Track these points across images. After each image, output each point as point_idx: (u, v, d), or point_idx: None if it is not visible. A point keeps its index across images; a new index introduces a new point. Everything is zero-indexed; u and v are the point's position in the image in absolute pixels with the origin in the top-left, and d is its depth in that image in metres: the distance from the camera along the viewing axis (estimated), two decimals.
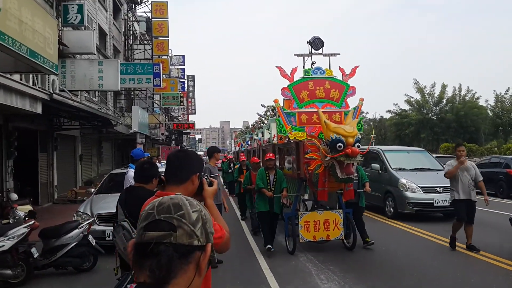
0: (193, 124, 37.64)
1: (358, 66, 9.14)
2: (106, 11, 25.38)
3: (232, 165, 18.61)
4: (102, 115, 17.66)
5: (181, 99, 34.87)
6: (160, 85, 23.98)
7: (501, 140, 36.65)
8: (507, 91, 35.78)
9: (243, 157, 16.38)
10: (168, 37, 30.94)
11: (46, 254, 7.33)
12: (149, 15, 31.88)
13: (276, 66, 8.76)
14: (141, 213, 1.31)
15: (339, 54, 9.54)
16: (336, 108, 8.75)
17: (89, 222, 8.01)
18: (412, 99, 42.86)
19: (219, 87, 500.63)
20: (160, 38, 30.62)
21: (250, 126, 22.10)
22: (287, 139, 9.64)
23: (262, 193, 8.76)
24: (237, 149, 26.28)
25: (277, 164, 10.49)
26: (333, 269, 7.46)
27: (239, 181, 13.12)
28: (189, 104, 48.88)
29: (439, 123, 38.61)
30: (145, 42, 33.47)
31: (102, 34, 24.74)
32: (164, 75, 29.15)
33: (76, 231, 7.55)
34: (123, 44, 29.28)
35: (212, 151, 8.54)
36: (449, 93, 39.93)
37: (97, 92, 22.42)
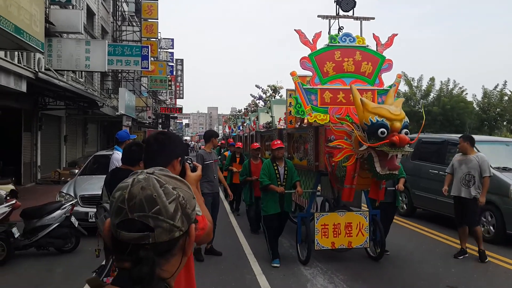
0: (181, 108, 37.48)
1: (396, 35, 7.45)
2: None
3: (222, 151, 17.83)
4: (88, 96, 17.53)
5: (169, 83, 34.67)
6: (148, 68, 23.60)
7: (485, 134, 37.17)
8: (495, 87, 36.23)
9: (237, 143, 13.64)
10: (157, 19, 30.66)
11: (27, 235, 7.30)
12: None
13: (295, 30, 7.10)
14: (111, 199, 1.19)
15: (373, 18, 7.54)
16: (368, 86, 7.14)
17: (72, 203, 7.95)
18: (400, 91, 43.19)
19: (207, 73, 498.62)
20: (149, 20, 30.28)
21: (243, 110, 21.17)
22: (298, 123, 8.33)
23: (270, 190, 7.08)
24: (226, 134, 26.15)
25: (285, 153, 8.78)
26: (352, 285, 6.18)
27: (230, 170, 11.61)
28: (177, 88, 48.52)
29: (426, 116, 38.99)
30: (134, 24, 33.05)
31: (90, 14, 24.43)
32: (152, 58, 28.88)
33: (58, 212, 7.50)
34: (111, 25, 28.92)
35: (209, 136, 7.82)
36: (436, 86, 40.28)
37: (83, 72, 22.21)
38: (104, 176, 5.55)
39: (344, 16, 7.43)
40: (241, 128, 19.25)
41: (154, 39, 31.04)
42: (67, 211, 7.61)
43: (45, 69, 15.43)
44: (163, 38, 41.47)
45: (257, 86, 14.03)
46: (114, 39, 28.35)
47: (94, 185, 8.97)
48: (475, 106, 38.13)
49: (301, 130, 8.00)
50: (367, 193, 6.87)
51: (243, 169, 9.07)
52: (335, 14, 7.39)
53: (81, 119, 24.53)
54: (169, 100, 48.18)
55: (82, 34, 18.61)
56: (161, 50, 40.46)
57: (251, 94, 16.53)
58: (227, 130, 27.33)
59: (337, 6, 7.41)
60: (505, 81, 38.08)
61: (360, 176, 5.83)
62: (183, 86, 50.55)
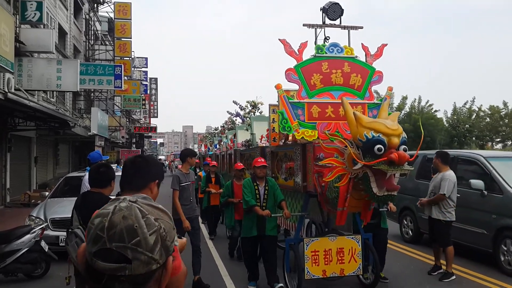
0: (155, 127, 36.84)
1: (386, 45, 6.88)
2: (67, 9, 24.47)
3: (197, 170, 17.12)
4: (60, 116, 16.96)
5: (143, 102, 34.12)
6: (121, 87, 23.41)
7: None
8: (465, 104, 36.95)
9: (212, 162, 12.95)
10: (131, 38, 30.27)
11: None
12: (112, 15, 31.10)
13: (279, 39, 6.52)
14: (89, 225, 1.13)
15: (361, 27, 7.06)
16: (358, 99, 6.60)
17: (42, 227, 7.67)
18: None
19: (182, 91, 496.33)
20: (122, 39, 29.90)
21: (219, 128, 20.61)
22: (283, 140, 7.73)
23: (252, 212, 6.50)
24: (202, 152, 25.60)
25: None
26: None
27: (207, 192, 10.80)
28: (151, 107, 47.84)
29: None
30: (107, 43, 32.57)
31: (62, 33, 23.87)
32: (126, 77, 28.44)
33: (27, 236, 7.22)
34: (83, 44, 28.34)
35: (185, 155, 7.23)
36: (408, 104, 40.88)
37: (55, 92, 21.65)
38: (75, 198, 5.29)
39: (331, 25, 6.96)
40: (217, 146, 18.67)
41: (128, 58, 30.64)
42: (36, 235, 7.33)
43: (15, 89, 14.85)
44: (137, 57, 40.93)
45: (234, 102, 13.58)
46: (87, 58, 27.81)
47: (65, 207, 8.53)
48: (445, 122, 38.77)
49: (286, 148, 7.43)
50: (358, 215, 6.34)
51: (225, 190, 8.58)
52: (321, 23, 6.92)
53: (52, 139, 23.78)
54: (143, 119, 47.40)
55: (53, 53, 18.13)
56: (135, 69, 39.88)
57: (228, 111, 15.98)
58: (203, 149, 26.69)
59: (323, 15, 6.91)
60: (474, 98, 38.96)
61: (352, 198, 5.25)
62: (157, 105, 49.87)
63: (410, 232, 10.26)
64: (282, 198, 6.64)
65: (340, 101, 6.22)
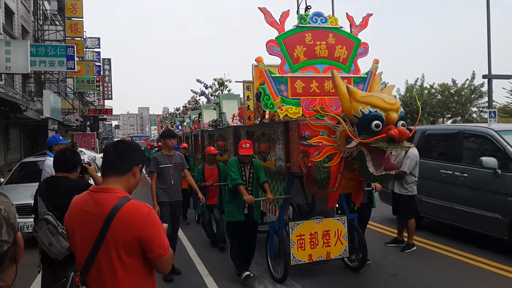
0: (111, 109, 35.47)
1: (371, 15, 6.42)
2: None
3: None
4: (11, 100, 15.91)
5: (97, 84, 32.71)
6: (74, 68, 22.26)
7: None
8: (416, 81, 37.52)
9: (182, 143, 12.51)
10: (82, 18, 28.65)
11: None
12: None
13: (259, 8, 5.92)
14: None
15: None
16: (344, 73, 6.09)
17: None
18: None
19: (137, 72, 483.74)
20: (73, 19, 28.29)
21: (181, 108, 19.69)
22: (259, 119, 7.24)
23: (237, 193, 6.02)
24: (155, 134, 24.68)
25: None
26: None
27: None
28: (105, 89, 45.96)
29: None
30: (57, 23, 30.85)
31: (9, 12, 22.33)
32: (78, 58, 27.05)
33: None
34: (32, 24, 26.70)
35: (162, 136, 6.80)
36: None
37: (3, 75, 20.35)
38: (34, 184, 5.51)
39: None
40: (179, 127, 17.94)
41: (79, 38, 29.06)
42: None
43: None
44: (89, 37, 39.10)
45: (198, 81, 12.94)
46: (36, 39, 26.23)
47: (23, 193, 8.57)
48: (398, 100, 39.38)
49: (264, 127, 6.90)
50: (344, 196, 6.07)
51: (197, 174, 8.09)
52: None
53: (3, 124, 22.43)
54: (97, 101, 45.68)
55: (1, 34, 16.93)
56: (87, 49, 38.12)
57: (191, 90, 15.20)
58: (162, 130, 25.75)
59: None
60: (423, 75, 39.67)
61: (343, 178, 4.86)
62: (111, 86, 48.07)
63: None
64: (265, 180, 6.16)
65: (325, 75, 5.87)
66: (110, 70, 48.23)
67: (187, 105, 17.12)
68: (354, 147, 4.49)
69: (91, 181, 4.58)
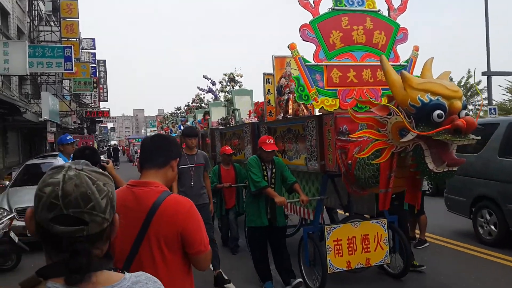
0: (108, 111, 34.65)
1: None
2: None
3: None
4: (10, 101, 15.32)
5: (94, 85, 31.98)
6: (72, 70, 21.75)
7: None
8: None
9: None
10: (78, 18, 28.00)
11: None
12: None
13: None
14: (38, 193, 1.19)
15: None
16: None
17: (10, 218, 7.23)
18: None
19: (132, 74, 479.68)
20: (69, 19, 27.65)
21: (183, 107, 18.89)
22: (281, 114, 6.55)
23: (260, 196, 5.40)
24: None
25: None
26: None
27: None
28: (101, 90, 45.07)
29: None
30: (52, 24, 30.14)
31: (5, 13, 21.72)
32: (74, 59, 26.44)
33: None
34: (27, 25, 26.01)
35: (183, 134, 6.21)
36: None
37: (0, 77, 19.75)
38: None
39: None
40: (181, 127, 17.18)
41: (75, 39, 28.41)
42: (5, 226, 6.88)
43: None
44: (84, 38, 38.33)
45: (205, 77, 12.30)
46: (31, 40, 25.53)
47: (29, 196, 8.08)
48: None
49: (290, 122, 6.19)
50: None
51: (212, 175, 7.36)
52: None
53: (0, 127, 21.78)
54: (93, 103, 44.86)
55: None
56: (83, 50, 37.34)
57: (198, 87, 14.46)
58: (163, 131, 24.71)
59: None
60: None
61: (396, 176, 4.20)
62: (107, 88, 47.24)
63: (493, 228, 7.16)
64: (294, 180, 5.49)
65: (364, 63, 5.31)
66: (105, 72, 47.32)
67: (190, 103, 16.36)
68: (410, 140, 3.85)
69: None
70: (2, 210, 8.03)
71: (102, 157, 12.92)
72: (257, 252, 5.64)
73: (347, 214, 5.82)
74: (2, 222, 6.87)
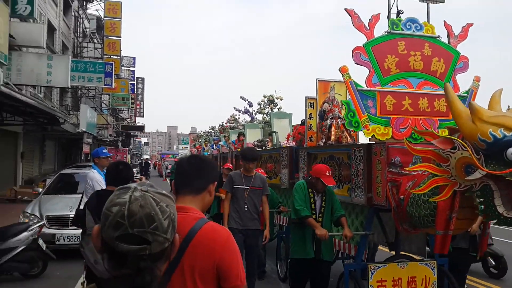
0: (143, 126, 34.94)
1: (471, 25, 5.34)
2: (56, 6, 22.96)
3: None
4: (51, 112, 15.52)
5: (132, 101, 32.40)
6: (111, 85, 22.24)
7: None
8: None
9: (226, 163, 10.59)
10: (120, 37, 28.50)
11: None
12: (101, 13, 29.44)
13: (345, 9, 4.90)
14: (106, 211, 1.25)
15: (443, 1, 5.47)
16: (440, 90, 4.91)
17: (40, 225, 7.15)
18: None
19: (168, 92, 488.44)
20: (112, 37, 28.20)
21: (217, 127, 18.73)
22: (323, 140, 6.09)
23: (304, 225, 4.93)
24: (185, 153, 23.55)
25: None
26: None
27: (217, 197, 8.24)
28: (138, 106, 45.89)
29: None
30: (95, 41, 30.83)
31: (51, 29, 22.30)
32: (114, 76, 26.88)
33: (25, 233, 6.70)
34: (72, 41, 26.64)
35: (243, 157, 5.76)
36: None
37: (42, 88, 20.14)
38: (71, 195, 5.46)
39: None
40: (214, 147, 16.87)
41: (116, 57, 28.93)
42: (34, 233, 6.82)
43: (4, 83, 13.37)
44: (125, 56, 39.10)
45: (242, 98, 12.05)
46: (75, 55, 26.22)
47: (60, 204, 8.50)
48: None
49: (334, 149, 5.77)
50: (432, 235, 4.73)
51: None
52: None
53: (39, 135, 22.34)
54: (129, 118, 45.53)
55: (44, 48, 16.78)
56: (123, 67, 38.05)
57: (234, 107, 14.22)
58: (195, 149, 24.37)
59: None
60: None
61: (458, 218, 3.66)
62: (143, 105, 47.97)
63: None
64: (342, 213, 5.01)
65: (420, 92, 4.82)
66: (143, 89, 48.05)
67: (224, 123, 16.07)
68: (477, 179, 3.34)
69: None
70: (33, 216, 8.01)
71: (135, 171, 12.72)
72: (296, 286, 5.13)
73: (392, 252, 5.26)
74: (32, 229, 6.80)
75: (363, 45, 4.93)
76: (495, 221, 3.52)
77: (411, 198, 4.14)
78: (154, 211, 1.21)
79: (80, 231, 4.14)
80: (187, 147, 52.59)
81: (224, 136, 14.25)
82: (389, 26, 5.07)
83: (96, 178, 6.08)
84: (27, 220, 7.72)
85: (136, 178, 4.19)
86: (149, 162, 45.39)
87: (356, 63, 4.89)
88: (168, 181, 27.79)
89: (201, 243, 1.90)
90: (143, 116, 48.21)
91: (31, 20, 15.90)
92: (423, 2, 5.35)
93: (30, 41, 14.86)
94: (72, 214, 7.36)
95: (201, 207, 2.10)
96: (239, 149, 11.29)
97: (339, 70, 4.88)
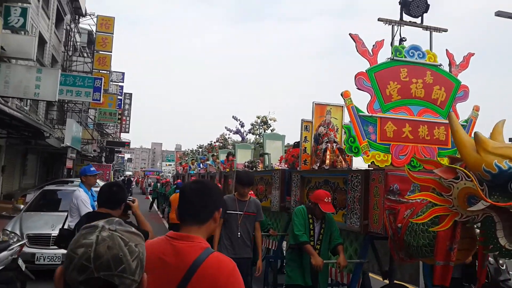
0: (129, 142, 34.57)
1: (473, 54, 5.40)
2: (49, 18, 22.77)
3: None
4: (36, 126, 15.18)
5: (119, 116, 32.09)
6: (99, 100, 21.92)
7: None
8: None
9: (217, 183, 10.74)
10: (111, 52, 28.40)
11: None
12: (93, 28, 29.32)
13: (350, 34, 4.92)
14: (70, 253, 1.16)
15: (446, 30, 5.44)
16: (440, 118, 5.07)
17: (21, 244, 6.71)
18: None
19: (153, 109, 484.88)
20: (102, 52, 28.05)
21: (204, 145, 18.60)
22: (318, 164, 5.99)
23: (301, 251, 4.85)
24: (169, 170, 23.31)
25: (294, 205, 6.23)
26: None
27: None
28: (123, 122, 45.47)
29: None
30: (85, 55, 30.64)
31: (42, 41, 22.04)
32: (103, 91, 26.65)
33: (4, 253, 6.21)
34: (62, 54, 26.40)
35: (238, 181, 5.39)
36: None
37: (28, 101, 19.79)
38: (54, 213, 5.33)
39: (411, 24, 5.29)
40: (201, 166, 16.63)
41: (106, 72, 28.72)
42: (14, 252, 6.37)
43: None
44: (114, 71, 38.90)
45: (234, 118, 11.99)
46: (64, 69, 25.86)
47: (41, 222, 8.22)
48: None
49: (330, 174, 5.64)
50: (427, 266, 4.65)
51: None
52: (398, 19, 5.25)
53: (22, 149, 21.71)
54: (114, 133, 45.05)
55: (34, 61, 16.55)
56: (112, 83, 37.81)
57: (226, 127, 14.12)
58: (181, 168, 24.05)
59: (401, 10, 5.19)
60: None
61: (459, 249, 3.59)
62: (129, 120, 47.58)
63: None
64: (340, 242, 4.89)
65: (421, 119, 4.80)
66: (130, 105, 47.70)
67: (213, 142, 15.91)
68: (480, 210, 3.28)
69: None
70: (13, 235, 7.68)
71: None
72: None
73: (386, 281, 5.14)
74: (12, 248, 6.44)
75: (366, 70, 4.94)
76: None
77: (409, 226, 4.05)
78: (122, 252, 1.15)
79: (61, 251, 3.95)
80: (171, 164, 52.31)
81: (213, 156, 14.14)
82: (392, 53, 5.11)
83: (82, 197, 5.89)
84: (7, 239, 7.33)
85: (129, 200, 4.02)
86: (132, 179, 44.86)
87: (358, 88, 4.92)
88: (151, 199, 27.39)
89: (206, 274, 1.88)
90: (128, 132, 47.80)
91: (23, 32, 15.76)
92: (426, 30, 5.36)
93: (20, 53, 14.69)
94: (54, 233, 7.07)
95: (205, 235, 2.07)
96: (227, 169, 11.17)
97: (341, 95, 4.87)
